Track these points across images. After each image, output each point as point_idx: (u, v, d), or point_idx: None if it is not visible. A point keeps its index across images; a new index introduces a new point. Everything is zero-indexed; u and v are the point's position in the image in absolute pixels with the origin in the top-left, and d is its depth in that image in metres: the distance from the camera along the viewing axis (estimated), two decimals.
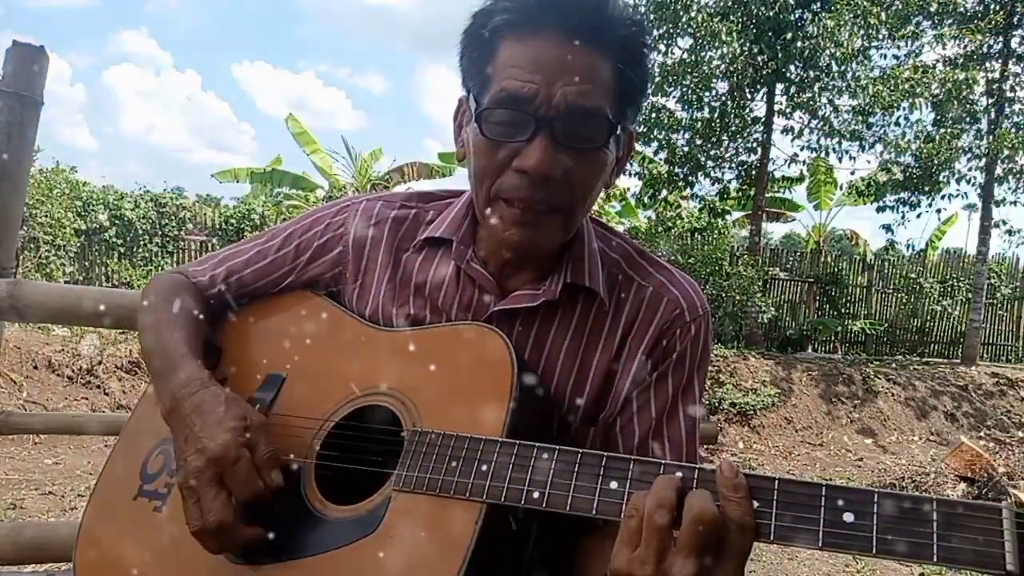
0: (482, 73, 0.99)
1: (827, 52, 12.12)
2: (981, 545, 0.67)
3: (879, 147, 13.01)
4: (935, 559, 0.68)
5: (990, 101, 12.74)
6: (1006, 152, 12.47)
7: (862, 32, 12.12)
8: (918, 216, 13.53)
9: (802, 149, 13.44)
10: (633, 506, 0.78)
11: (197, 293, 1.27)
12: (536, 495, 0.85)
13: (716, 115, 12.78)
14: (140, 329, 1.24)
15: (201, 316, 1.24)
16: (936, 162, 12.50)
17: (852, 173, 15.46)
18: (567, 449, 0.87)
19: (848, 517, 0.72)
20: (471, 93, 1.03)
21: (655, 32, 12.39)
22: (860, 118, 12.68)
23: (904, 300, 15.14)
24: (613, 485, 0.82)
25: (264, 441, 0.99)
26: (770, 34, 12.15)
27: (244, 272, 1.26)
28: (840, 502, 0.73)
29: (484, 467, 0.89)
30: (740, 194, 13.86)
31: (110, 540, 1.12)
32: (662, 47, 12.59)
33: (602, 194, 1.27)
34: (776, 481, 0.76)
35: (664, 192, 13.76)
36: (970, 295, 13.90)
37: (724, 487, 0.76)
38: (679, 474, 0.80)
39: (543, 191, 0.99)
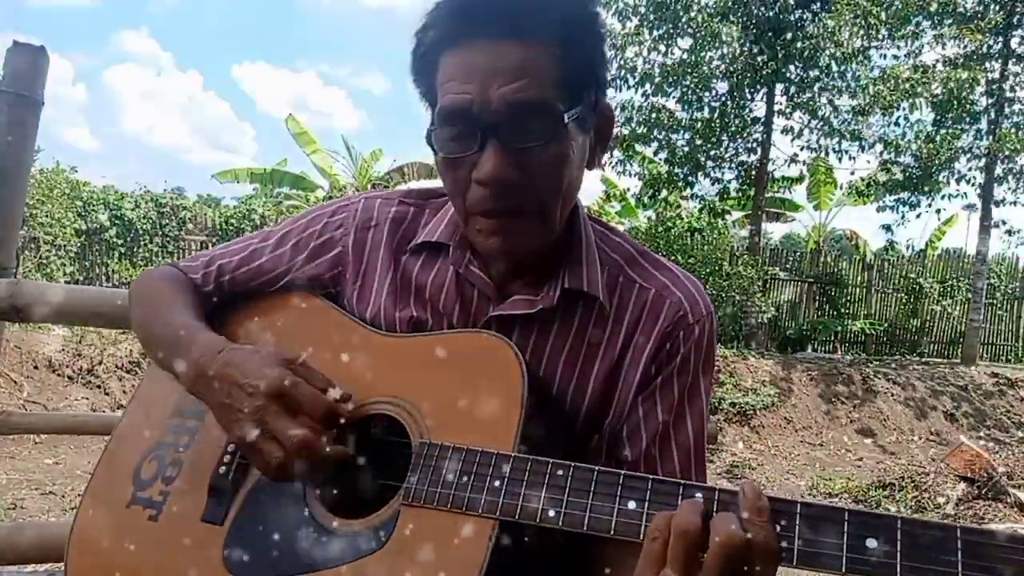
0: (430, 93, 0.99)
1: (827, 52, 12.14)
2: None
3: (879, 147, 13.04)
4: None
5: (990, 101, 12.74)
6: (1006, 152, 12.48)
7: (862, 32, 12.13)
8: (918, 216, 13.55)
9: (802, 149, 13.48)
10: (657, 527, 0.77)
11: (192, 285, 1.24)
12: (551, 513, 0.83)
13: (716, 115, 12.79)
14: (139, 318, 1.21)
15: (197, 306, 1.20)
16: (936, 162, 12.51)
17: (852, 173, 15.43)
18: (582, 466, 0.85)
19: (871, 543, 0.71)
20: (430, 114, 1.01)
21: (655, 32, 12.41)
22: (860, 118, 12.70)
23: (904, 300, 15.13)
24: (631, 505, 0.81)
25: (311, 372, 0.99)
26: (770, 34, 12.16)
27: (237, 272, 1.23)
28: (863, 527, 0.72)
29: (497, 483, 0.86)
30: (740, 194, 13.86)
31: (103, 549, 1.07)
32: (662, 47, 12.60)
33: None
34: (798, 504, 0.75)
35: (664, 192, 13.76)
36: (970, 295, 13.89)
37: (747, 510, 0.75)
38: (700, 495, 0.78)
39: (507, 197, 0.96)
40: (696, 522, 0.75)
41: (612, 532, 0.80)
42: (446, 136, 0.96)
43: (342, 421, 0.96)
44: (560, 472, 0.85)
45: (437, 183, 1.17)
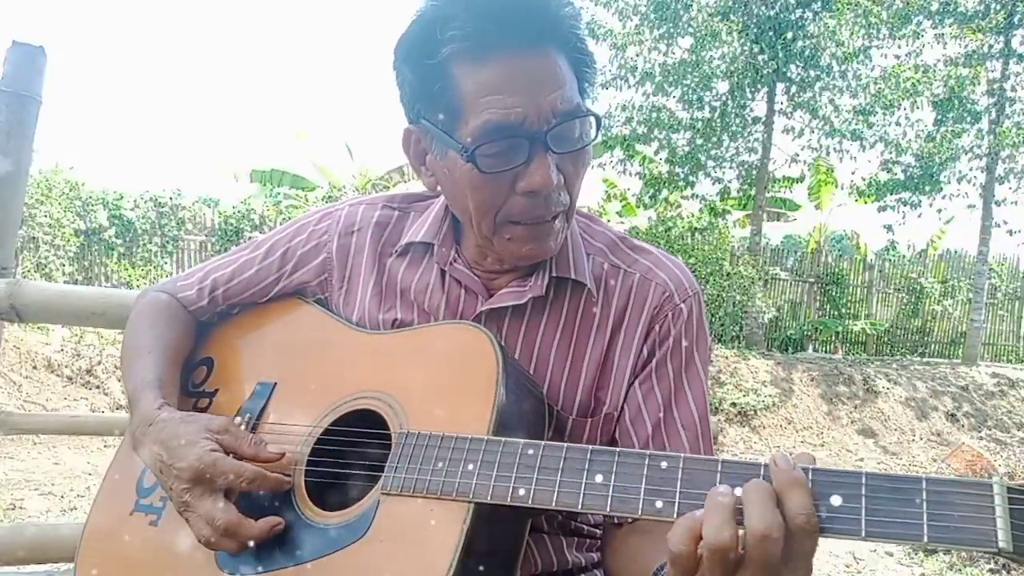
0: (447, 106, 0.96)
1: (828, 51, 12.15)
2: (972, 523, 0.65)
3: (880, 147, 13.02)
4: (925, 539, 0.66)
5: (991, 100, 12.74)
6: (1007, 152, 12.50)
7: (863, 31, 12.15)
8: (919, 216, 13.55)
9: (803, 149, 13.45)
10: (687, 529, 0.71)
11: (180, 311, 1.28)
12: (522, 492, 0.85)
13: (717, 115, 12.77)
14: (121, 355, 1.26)
15: (180, 336, 1.25)
16: (937, 162, 12.51)
17: (853, 173, 15.45)
18: (552, 444, 0.86)
19: (835, 500, 0.70)
20: (434, 125, 0.99)
21: (655, 32, 12.41)
22: (861, 117, 12.69)
23: (905, 300, 15.11)
24: (599, 479, 0.82)
25: (238, 434, 1.02)
26: (771, 33, 12.15)
27: (230, 284, 1.27)
28: (827, 484, 0.71)
29: (470, 466, 0.88)
30: (741, 194, 13.85)
31: (109, 558, 1.12)
32: (663, 47, 12.61)
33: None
34: (760, 468, 0.75)
35: (664, 192, 13.77)
36: (971, 295, 13.90)
37: (782, 484, 0.71)
38: (723, 488, 0.73)
39: (553, 203, 0.99)
40: (731, 522, 0.70)
41: (580, 506, 0.81)
42: (489, 151, 0.94)
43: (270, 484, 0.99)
44: (531, 451, 0.86)
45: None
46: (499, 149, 0.94)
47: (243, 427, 1.08)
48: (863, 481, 0.70)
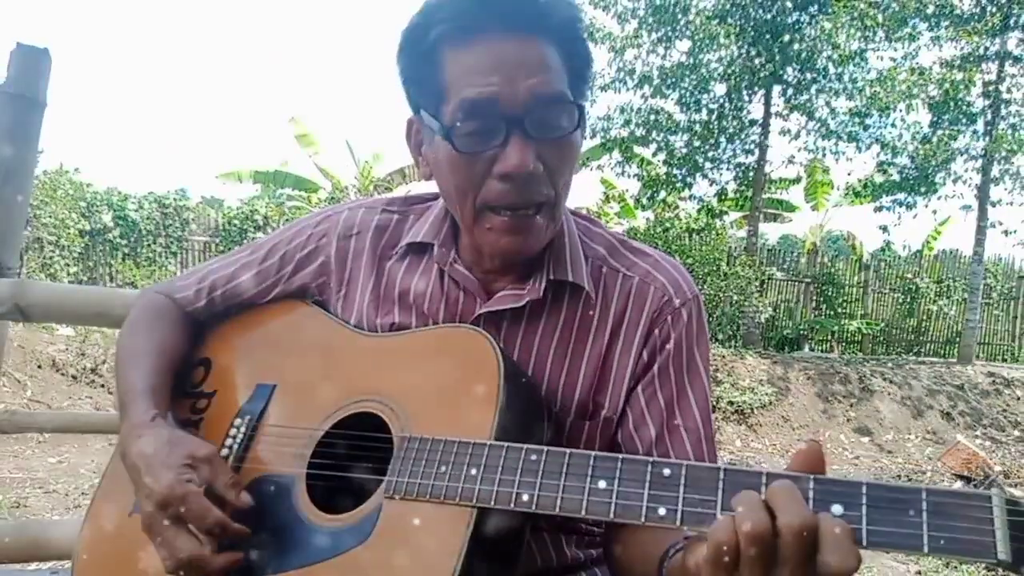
0: (434, 89, 0.97)
1: (824, 54, 12.17)
2: (972, 534, 0.65)
3: (876, 148, 13.04)
4: (925, 550, 0.66)
5: (986, 103, 12.72)
6: (1002, 153, 12.49)
7: (859, 34, 12.15)
8: (914, 217, 13.56)
9: (799, 150, 13.51)
10: (724, 530, 0.70)
11: (177, 314, 1.27)
12: (525, 497, 0.84)
13: (714, 117, 12.81)
14: (116, 358, 1.23)
15: (175, 340, 1.23)
16: (932, 163, 12.50)
17: (849, 174, 15.48)
18: (555, 450, 0.86)
19: (837, 509, 0.70)
20: (426, 111, 1.00)
21: (654, 35, 12.46)
22: (857, 120, 12.70)
23: (900, 300, 15.13)
24: (602, 484, 0.81)
25: (219, 469, 0.99)
26: (768, 37, 12.16)
27: (228, 286, 1.26)
28: (828, 493, 0.71)
29: (473, 471, 0.88)
30: (738, 195, 13.86)
31: (107, 558, 1.11)
32: (661, 50, 12.64)
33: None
34: (763, 476, 0.74)
35: (662, 193, 13.77)
36: (966, 295, 13.91)
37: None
38: (761, 494, 0.72)
39: (529, 191, 0.97)
40: (766, 520, 0.68)
41: (584, 512, 0.81)
42: (466, 131, 0.94)
43: (229, 529, 0.96)
44: (534, 457, 0.86)
45: (428, 187, 1.19)
46: (475, 128, 0.94)
47: (238, 435, 1.08)
48: (863, 491, 0.70)
